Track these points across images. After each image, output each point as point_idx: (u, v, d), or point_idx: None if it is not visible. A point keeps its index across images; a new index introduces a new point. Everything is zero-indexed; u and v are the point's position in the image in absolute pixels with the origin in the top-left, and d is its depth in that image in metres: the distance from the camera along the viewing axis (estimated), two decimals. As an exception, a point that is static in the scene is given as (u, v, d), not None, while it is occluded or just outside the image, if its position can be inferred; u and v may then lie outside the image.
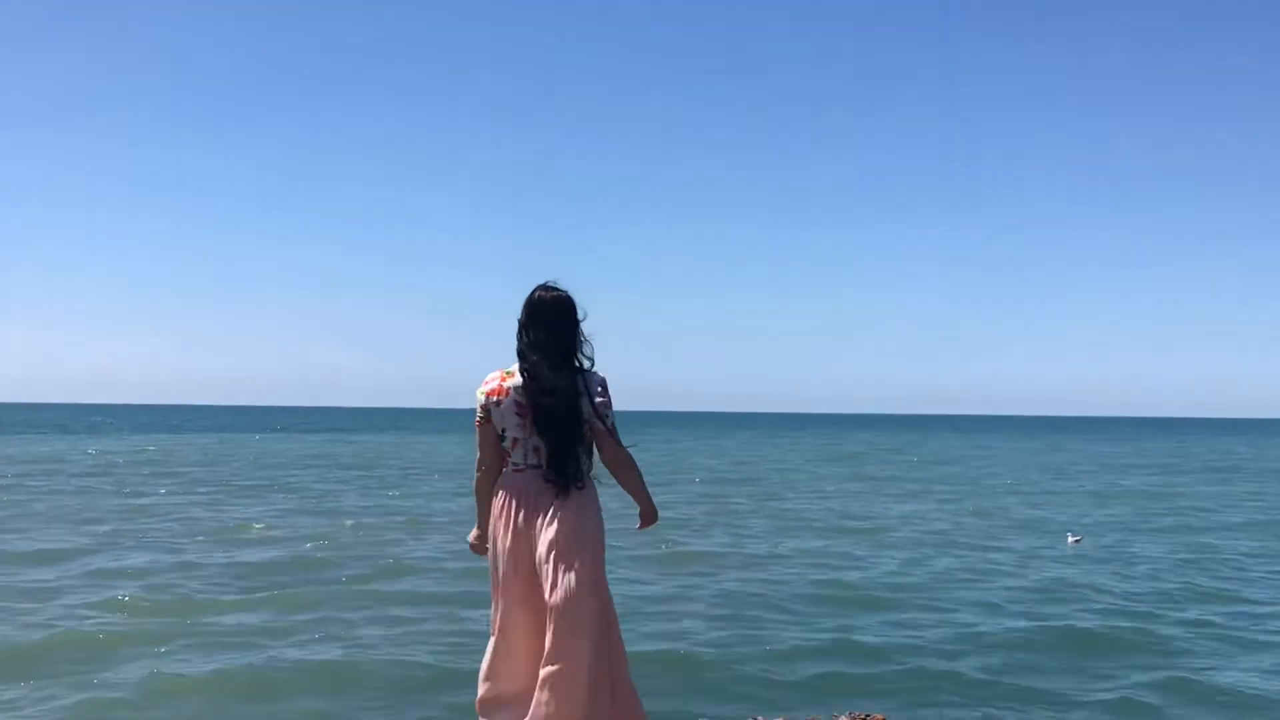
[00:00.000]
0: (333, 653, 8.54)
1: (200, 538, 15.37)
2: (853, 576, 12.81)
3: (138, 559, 13.23)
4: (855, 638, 9.48)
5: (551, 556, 3.71)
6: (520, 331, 3.84)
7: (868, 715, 5.47)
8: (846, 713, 5.56)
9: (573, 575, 3.72)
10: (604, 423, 3.85)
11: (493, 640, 3.84)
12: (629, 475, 3.97)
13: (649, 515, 4.16)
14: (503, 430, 3.83)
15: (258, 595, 10.89)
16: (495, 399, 3.81)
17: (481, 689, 3.86)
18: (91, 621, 9.43)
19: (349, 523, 17.33)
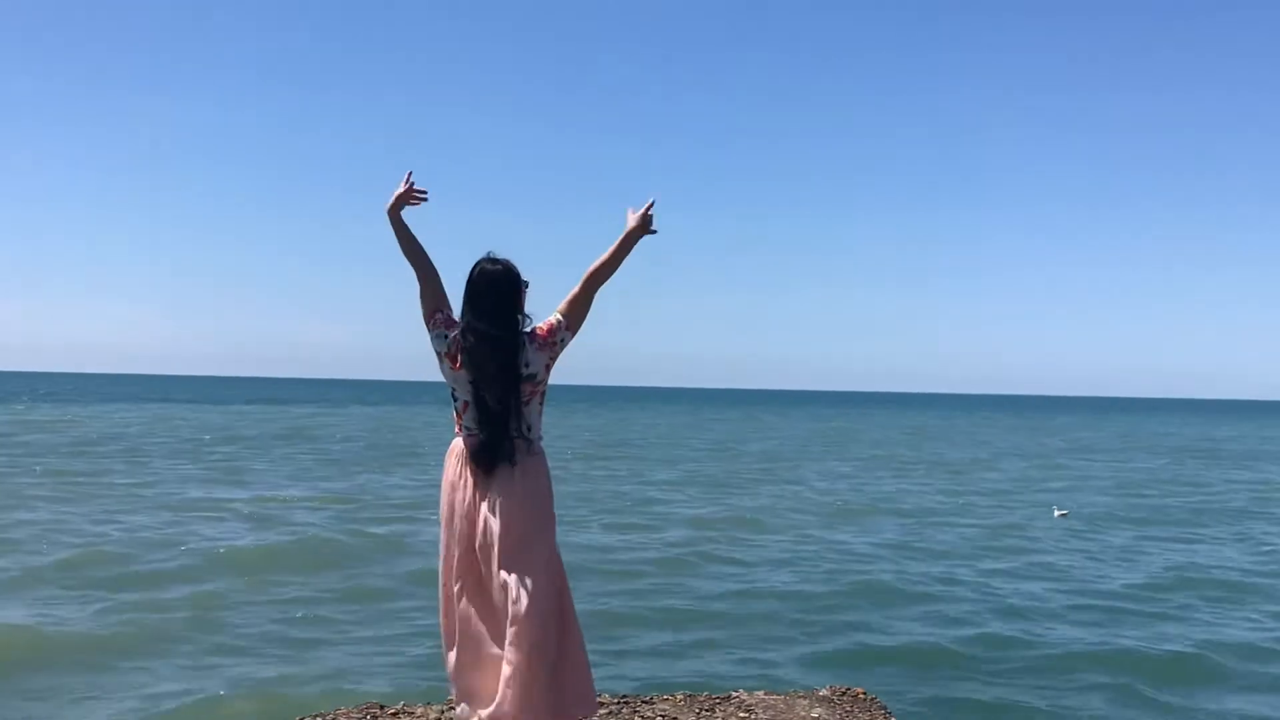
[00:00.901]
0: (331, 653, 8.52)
1: (225, 515, 15.32)
2: (846, 552, 12.85)
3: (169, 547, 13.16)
4: (843, 615, 9.53)
5: (502, 533, 3.66)
6: (463, 305, 3.79)
7: (848, 689, 5.49)
8: (828, 686, 5.57)
9: (526, 554, 3.66)
10: (563, 322, 3.78)
11: (446, 627, 3.79)
12: (599, 268, 3.80)
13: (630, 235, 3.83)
14: (453, 390, 3.78)
15: (251, 578, 10.87)
16: (451, 352, 3.74)
17: (450, 675, 3.83)
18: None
19: (347, 505, 17.32)
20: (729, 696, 5.21)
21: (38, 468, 21.02)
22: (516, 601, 3.60)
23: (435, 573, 3.85)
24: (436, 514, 3.81)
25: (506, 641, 3.59)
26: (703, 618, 9.25)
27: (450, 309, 3.83)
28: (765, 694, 5.30)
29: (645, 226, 3.85)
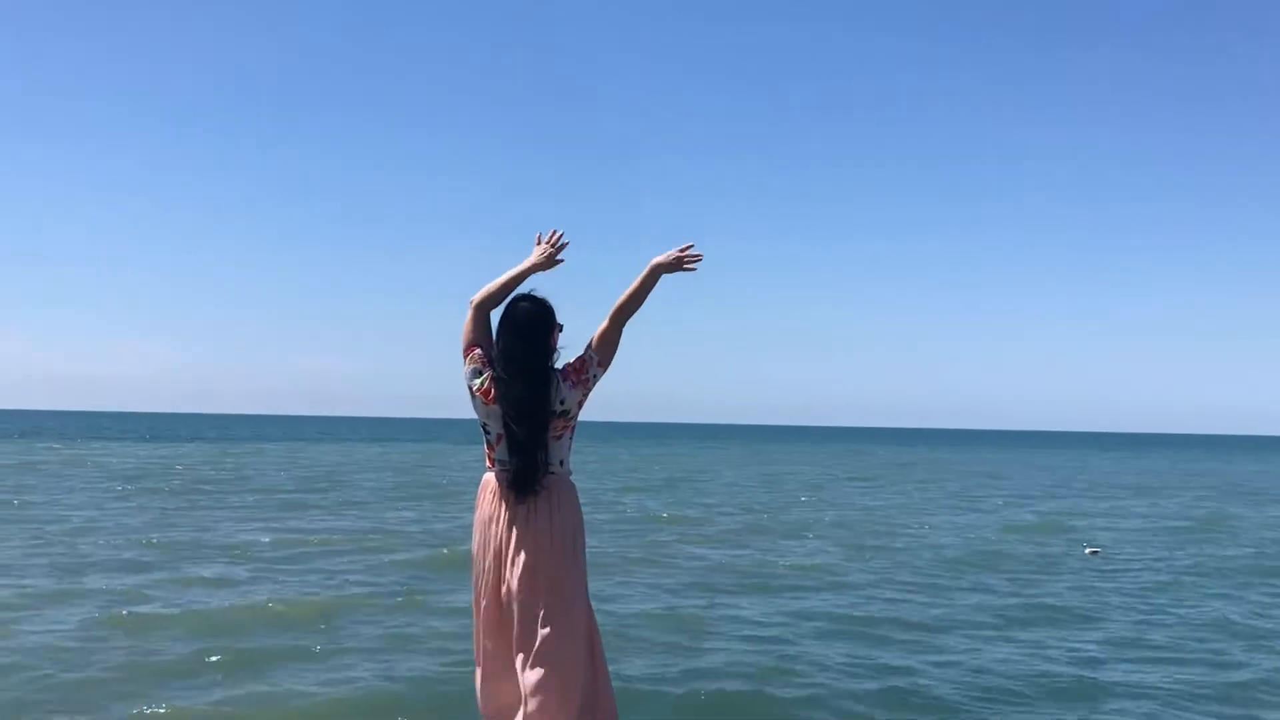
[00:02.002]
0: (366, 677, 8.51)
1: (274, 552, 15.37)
2: (873, 594, 12.73)
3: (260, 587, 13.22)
4: (872, 657, 9.42)
5: (534, 566, 3.68)
6: (495, 338, 3.85)
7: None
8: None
9: (558, 586, 3.68)
10: (594, 357, 3.83)
11: (479, 660, 3.82)
12: (625, 302, 3.88)
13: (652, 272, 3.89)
14: (485, 424, 3.82)
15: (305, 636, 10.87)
16: (485, 387, 3.78)
17: (481, 707, 3.85)
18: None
19: (370, 535, 17.34)
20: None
21: (75, 514, 21.21)
22: (550, 639, 3.61)
23: (464, 611, 3.87)
24: (469, 550, 3.84)
25: (539, 681, 3.61)
26: (730, 663, 9.16)
27: (490, 348, 3.88)
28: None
29: (675, 265, 3.89)
